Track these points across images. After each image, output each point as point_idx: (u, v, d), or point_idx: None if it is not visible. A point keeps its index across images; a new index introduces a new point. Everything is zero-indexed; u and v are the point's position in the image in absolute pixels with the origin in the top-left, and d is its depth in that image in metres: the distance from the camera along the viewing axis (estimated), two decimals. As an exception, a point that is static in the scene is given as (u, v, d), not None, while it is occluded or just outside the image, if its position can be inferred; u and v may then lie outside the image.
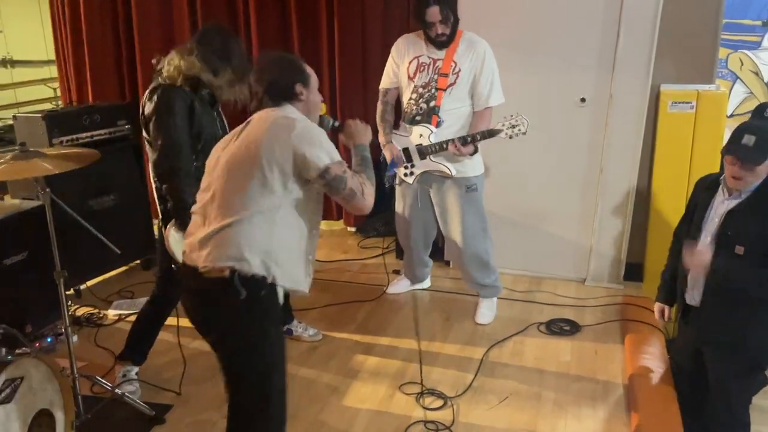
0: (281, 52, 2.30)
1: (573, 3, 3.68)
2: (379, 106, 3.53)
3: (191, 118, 2.65)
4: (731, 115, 7.26)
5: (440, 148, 3.26)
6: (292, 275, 2.02)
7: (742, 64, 7.71)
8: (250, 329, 1.95)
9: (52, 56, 5.80)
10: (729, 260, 2.25)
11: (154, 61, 2.75)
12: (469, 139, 3.20)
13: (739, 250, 2.22)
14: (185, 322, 3.17)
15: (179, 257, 2.76)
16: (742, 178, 2.21)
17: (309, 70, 2.15)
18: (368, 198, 2.04)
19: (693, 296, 2.47)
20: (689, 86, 3.62)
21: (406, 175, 3.45)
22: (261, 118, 2.04)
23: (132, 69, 4.96)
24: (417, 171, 3.40)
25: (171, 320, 3.00)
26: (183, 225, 2.70)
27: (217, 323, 1.98)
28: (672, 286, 2.61)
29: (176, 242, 2.75)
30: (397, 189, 3.63)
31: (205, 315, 2.01)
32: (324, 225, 5.07)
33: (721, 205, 2.33)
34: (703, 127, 3.51)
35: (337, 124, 2.40)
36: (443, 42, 3.27)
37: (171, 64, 2.65)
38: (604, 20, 3.66)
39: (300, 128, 1.95)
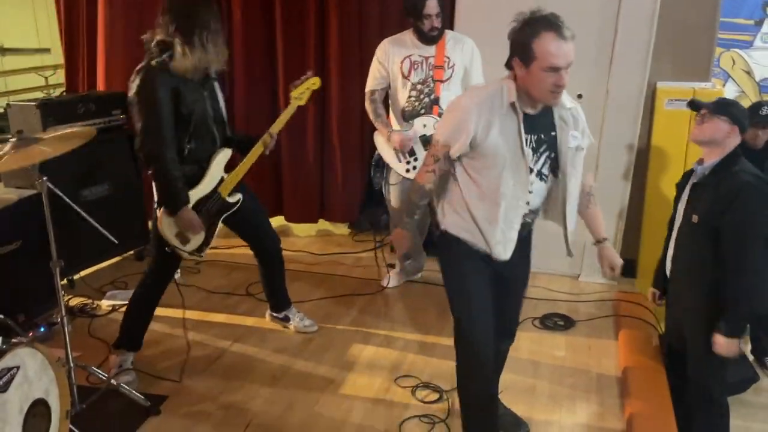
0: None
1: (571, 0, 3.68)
2: (369, 105, 3.57)
3: (177, 100, 2.63)
4: (723, 114, 7.30)
5: None
6: (457, 225, 2.21)
7: (734, 63, 7.76)
8: (441, 259, 2.34)
9: (44, 44, 5.73)
10: (688, 232, 2.44)
11: (143, 37, 2.71)
12: None
13: (695, 218, 2.40)
14: (181, 313, 3.22)
15: (172, 240, 2.76)
16: (696, 130, 2.43)
17: (541, 49, 1.92)
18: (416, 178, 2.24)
19: (668, 268, 2.60)
20: (685, 84, 3.64)
21: (408, 171, 3.48)
22: None
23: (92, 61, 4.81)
24: (419, 164, 3.42)
25: (163, 311, 3.00)
26: (171, 210, 2.70)
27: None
28: (664, 272, 2.70)
29: (168, 225, 2.74)
30: (394, 187, 3.63)
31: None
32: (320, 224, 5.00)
33: (691, 182, 2.50)
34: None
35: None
36: (434, 37, 3.33)
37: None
38: (601, 17, 3.67)
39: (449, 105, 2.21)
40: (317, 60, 4.42)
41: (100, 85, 4.64)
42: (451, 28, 3.82)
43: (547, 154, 2.14)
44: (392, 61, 3.44)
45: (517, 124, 2.05)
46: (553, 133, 2.13)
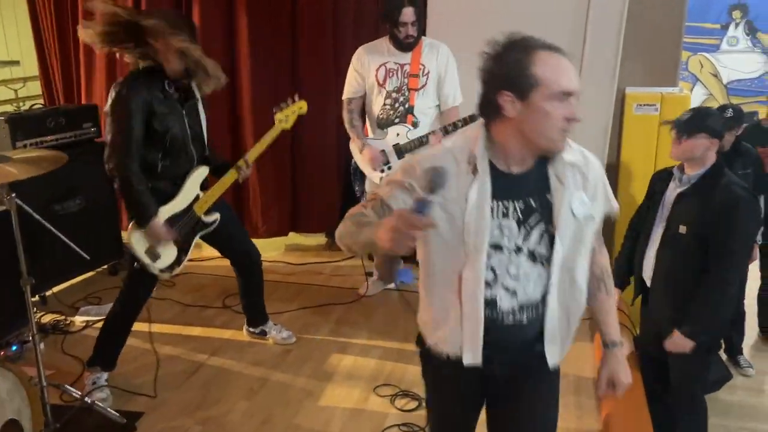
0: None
1: (541, 8, 3.74)
2: (346, 115, 3.58)
3: (151, 116, 2.63)
4: (692, 117, 7.45)
5: (419, 143, 3.32)
6: (422, 318, 1.74)
7: (702, 67, 7.92)
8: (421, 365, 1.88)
9: (14, 57, 5.63)
10: (673, 241, 2.43)
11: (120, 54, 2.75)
12: (450, 128, 3.27)
13: (682, 229, 2.40)
14: (156, 327, 3.18)
15: (141, 256, 2.73)
16: (674, 148, 2.42)
17: (544, 70, 1.43)
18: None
19: (647, 276, 2.61)
20: (653, 89, 3.71)
21: (382, 179, 3.49)
22: None
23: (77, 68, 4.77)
24: None
25: (139, 326, 2.97)
26: (140, 222, 2.68)
27: None
28: (624, 270, 2.76)
29: (137, 241, 2.71)
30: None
31: None
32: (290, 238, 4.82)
33: (673, 192, 2.50)
34: (668, 129, 3.59)
35: None
36: (410, 44, 3.36)
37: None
38: (571, 24, 3.73)
39: None
40: (290, 64, 4.36)
41: (84, 98, 4.61)
42: (424, 34, 3.86)
43: (542, 226, 1.55)
44: (368, 68, 3.45)
45: (479, 187, 1.51)
46: (548, 196, 1.56)
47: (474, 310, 1.56)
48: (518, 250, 1.55)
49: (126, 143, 2.60)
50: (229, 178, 2.94)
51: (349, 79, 3.55)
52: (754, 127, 3.62)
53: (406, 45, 3.36)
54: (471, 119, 3.23)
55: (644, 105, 3.64)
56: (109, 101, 2.63)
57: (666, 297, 2.53)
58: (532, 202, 1.55)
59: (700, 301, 2.36)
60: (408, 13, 3.28)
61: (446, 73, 3.42)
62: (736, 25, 7.83)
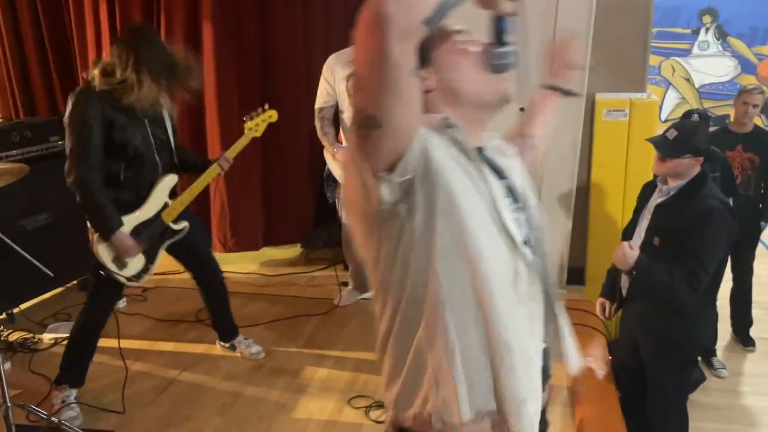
0: None
1: (509, 15, 3.75)
2: (317, 123, 3.57)
3: (111, 127, 2.58)
4: (665, 120, 7.55)
5: None
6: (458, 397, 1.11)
7: (674, 71, 8.03)
8: None
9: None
10: (648, 253, 2.38)
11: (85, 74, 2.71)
12: None
13: (656, 241, 2.39)
14: (127, 343, 3.12)
15: (109, 265, 2.69)
16: (658, 165, 2.40)
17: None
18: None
19: (624, 287, 2.59)
20: (622, 95, 3.73)
21: None
22: None
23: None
24: None
25: (107, 342, 2.91)
26: (103, 235, 2.64)
27: None
28: (615, 283, 2.72)
29: (104, 250, 2.68)
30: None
31: None
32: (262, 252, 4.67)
33: (654, 202, 2.48)
34: (637, 133, 3.61)
35: None
36: None
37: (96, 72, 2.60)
38: (539, 32, 3.74)
39: None
40: (260, 72, 4.31)
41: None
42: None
43: (524, 213, 1.19)
44: (337, 78, 3.44)
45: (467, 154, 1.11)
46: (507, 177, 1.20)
47: (537, 349, 1.13)
48: (526, 243, 1.15)
49: (86, 156, 2.55)
50: (206, 178, 2.92)
51: (320, 89, 3.54)
52: (722, 131, 3.66)
53: None
54: None
55: (613, 111, 3.66)
56: (67, 111, 2.59)
57: (638, 307, 2.52)
58: (510, 181, 1.18)
59: (664, 271, 2.27)
60: None
61: None
62: (707, 29, 7.94)
